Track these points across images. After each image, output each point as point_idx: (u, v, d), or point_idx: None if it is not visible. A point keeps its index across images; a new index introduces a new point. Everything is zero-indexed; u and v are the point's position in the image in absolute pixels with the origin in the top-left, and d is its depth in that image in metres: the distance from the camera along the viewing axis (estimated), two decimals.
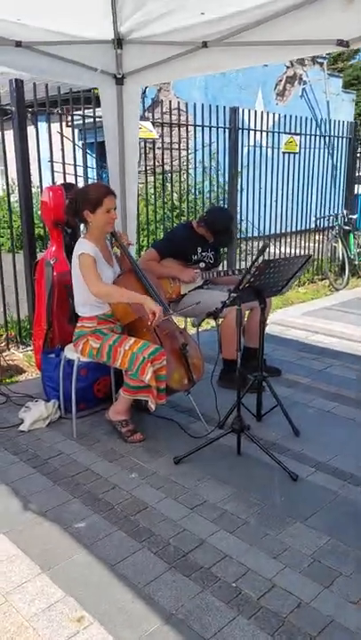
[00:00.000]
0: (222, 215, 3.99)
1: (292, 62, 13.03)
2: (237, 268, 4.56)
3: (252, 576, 2.14)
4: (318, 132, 7.96)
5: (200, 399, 3.47)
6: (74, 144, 4.88)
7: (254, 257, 2.78)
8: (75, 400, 3.29)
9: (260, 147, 6.91)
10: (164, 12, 3.06)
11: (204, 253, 4.08)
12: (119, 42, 3.49)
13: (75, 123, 5.03)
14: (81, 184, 5.08)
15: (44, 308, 4.02)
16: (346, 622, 1.93)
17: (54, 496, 2.67)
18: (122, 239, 3.28)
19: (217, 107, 6.23)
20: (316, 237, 8.22)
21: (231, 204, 6.68)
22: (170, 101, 5.99)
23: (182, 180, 6.47)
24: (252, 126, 6.80)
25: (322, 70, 13.81)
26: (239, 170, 6.65)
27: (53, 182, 4.78)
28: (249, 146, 6.73)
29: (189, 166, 6.46)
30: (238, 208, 6.73)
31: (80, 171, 5.14)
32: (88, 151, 5.67)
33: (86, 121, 5.12)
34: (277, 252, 7.58)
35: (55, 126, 4.80)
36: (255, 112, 6.80)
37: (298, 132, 7.50)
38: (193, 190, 7.11)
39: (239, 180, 6.71)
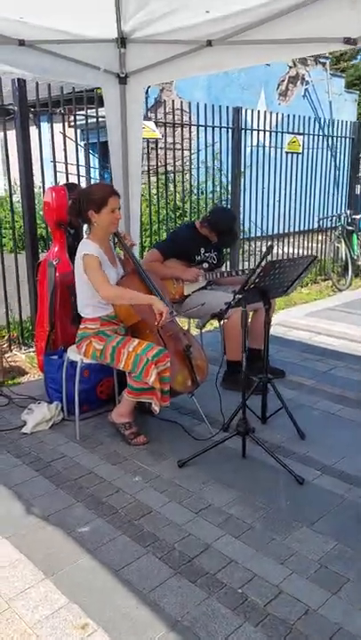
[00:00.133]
0: (226, 215, 3.96)
1: (295, 62, 13.00)
2: (241, 268, 4.53)
3: (258, 582, 2.11)
4: (321, 133, 7.93)
5: (204, 401, 3.44)
6: (76, 144, 4.85)
7: (260, 258, 2.75)
8: (78, 402, 3.26)
9: (263, 147, 6.88)
10: (168, 10, 3.03)
11: (207, 254, 4.05)
12: (122, 41, 3.46)
13: (77, 123, 4.99)
14: (83, 184, 5.06)
15: (46, 308, 3.99)
16: (354, 629, 1.89)
17: (57, 500, 2.64)
18: (125, 240, 3.25)
19: (220, 107, 6.19)
20: (319, 238, 8.19)
21: (234, 204, 6.65)
22: (173, 101, 5.95)
23: (185, 180, 6.44)
24: (254, 126, 6.77)
25: (324, 70, 13.78)
26: (242, 170, 6.61)
27: (56, 182, 4.76)
28: (252, 146, 6.70)
29: (192, 166, 6.42)
30: (241, 208, 6.70)
31: (82, 171, 5.11)
32: (90, 151, 5.64)
33: (89, 121, 5.09)
34: (280, 252, 7.54)
35: (57, 126, 4.78)
36: (258, 112, 6.77)
37: (301, 132, 7.47)
38: (196, 190, 7.07)
39: (242, 180, 6.68)
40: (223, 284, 4.20)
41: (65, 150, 4.74)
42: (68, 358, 3.40)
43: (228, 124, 6.35)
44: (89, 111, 5.06)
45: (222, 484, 2.76)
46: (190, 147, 6.20)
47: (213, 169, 6.57)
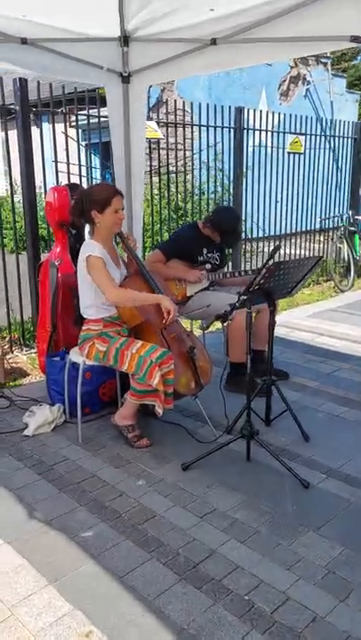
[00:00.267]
0: (229, 215, 3.93)
1: (296, 62, 12.97)
2: (243, 269, 4.50)
3: (265, 588, 2.08)
4: (324, 133, 7.90)
5: (207, 403, 3.41)
6: (78, 144, 4.82)
7: (266, 258, 2.72)
8: (80, 404, 3.23)
9: (265, 147, 6.85)
10: (172, 9, 2.99)
11: (209, 254, 4.01)
12: (125, 39, 3.42)
13: (78, 123, 4.96)
14: (84, 185, 5.03)
15: (48, 309, 3.96)
16: None
17: (60, 504, 2.60)
18: (128, 240, 3.22)
19: (222, 107, 6.16)
20: (321, 238, 8.16)
21: (236, 204, 6.62)
22: (175, 101, 5.92)
23: (187, 180, 6.40)
24: (256, 126, 6.74)
25: (326, 70, 13.75)
26: (244, 170, 6.58)
27: (58, 183, 4.73)
28: (254, 146, 6.66)
29: (194, 167, 6.39)
30: (243, 208, 6.67)
31: (83, 171, 5.08)
32: (92, 151, 5.61)
33: (90, 121, 5.05)
34: (282, 252, 7.51)
35: (58, 126, 4.74)
36: (261, 112, 6.74)
37: (303, 132, 7.44)
38: (197, 191, 7.04)
39: (244, 180, 6.64)
40: (226, 284, 4.16)
41: (67, 150, 4.71)
42: (71, 360, 3.37)
43: (230, 124, 6.32)
44: (90, 111, 5.03)
45: (227, 488, 2.73)
46: (192, 147, 6.16)
47: (216, 169, 6.54)
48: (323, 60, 13.72)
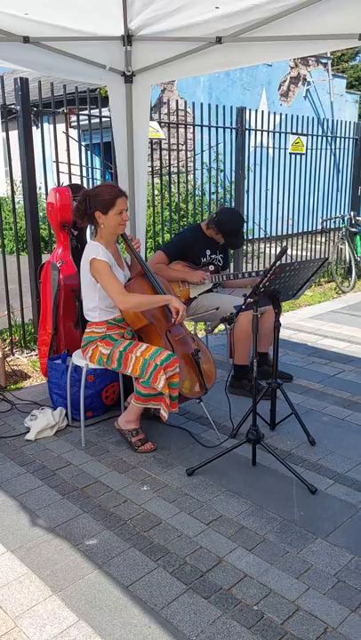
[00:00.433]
0: (233, 216, 3.88)
1: (296, 63, 12.94)
2: (247, 271, 4.45)
3: (274, 598, 2.03)
4: (325, 133, 7.86)
5: (210, 406, 3.37)
6: (80, 144, 4.77)
7: (266, 260, 2.67)
8: (83, 407, 3.18)
9: (267, 147, 6.81)
10: (177, 7, 2.95)
11: (213, 256, 3.97)
12: (129, 38, 3.37)
13: (80, 123, 4.91)
14: (85, 185, 4.98)
15: (49, 311, 3.92)
16: None
17: (63, 510, 2.56)
18: (132, 242, 3.17)
19: (223, 107, 6.12)
20: (322, 240, 8.12)
21: (238, 205, 6.58)
22: (177, 101, 5.87)
23: (188, 180, 6.36)
24: (257, 126, 6.69)
25: (326, 71, 13.72)
26: (246, 170, 6.54)
27: (59, 183, 4.68)
28: (255, 146, 6.62)
29: (195, 167, 6.35)
30: (245, 209, 6.63)
31: (78, 170, 5.03)
32: (93, 152, 5.57)
33: (90, 121, 5.00)
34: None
35: (58, 127, 4.69)
36: (263, 112, 6.69)
37: (305, 132, 7.40)
38: (199, 192, 6.99)
39: (245, 180, 6.60)
40: (229, 286, 4.12)
41: (68, 150, 4.66)
42: (73, 363, 3.32)
43: (231, 124, 6.28)
44: (84, 112, 4.98)
45: (233, 494, 2.69)
46: (194, 148, 6.12)
47: (217, 170, 6.50)
48: (323, 61, 13.70)
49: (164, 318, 3.15)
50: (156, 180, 6.08)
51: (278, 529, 2.43)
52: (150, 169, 5.61)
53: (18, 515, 2.52)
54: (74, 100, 4.82)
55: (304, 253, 7.77)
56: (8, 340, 4.67)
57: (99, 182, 5.72)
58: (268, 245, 7.47)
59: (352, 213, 8.14)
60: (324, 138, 7.86)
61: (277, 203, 7.16)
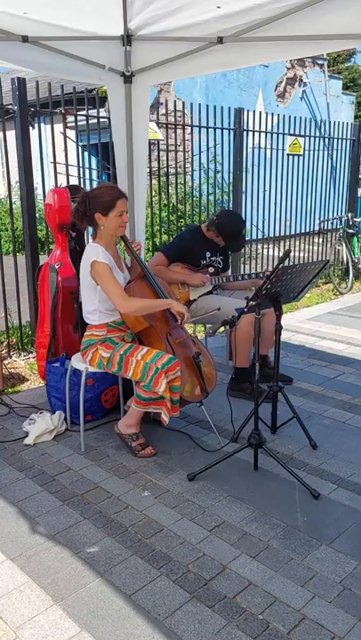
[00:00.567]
0: (233, 219, 3.85)
1: (293, 64, 12.93)
2: (248, 272, 4.43)
3: (279, 607, 2.00)
4: (323, 134, 7.85)
5: (211, 409, 3.34)
6: (78, 145, 4.73)
7: (263, 262, 2.64)
8: (83, 412, 3.14)
9: (265, 148, 6.78)
10: (177, 6, 2.91)
11: (213, 258, 3.94)
12: (128, 38, 3.34)
13: (74, 124, 4.87)
14: (83, 186, 4.94)
15: (47, 314, 3.87)
16: None
17: (64, 517, 2.51)
18: (132, 244, 3.13)
19: (221, 108, 6.09)
20: (319, 241, 8.11)
21: (236, 206, 6.55)
22: (175, 102, 5.84)
23: (186, 181, 6.32)
24: (254, 127, 6.67)
25: (322, 72, 13.73)
26: (244, 171, 6.52)
27: (56, 184, 4.64)
28: (253, 147, 6.60)
29: (193, 168, 6.32)
30: (243, 210, 6.60)
31: (75, 171, 4.99)
32: (90, 153, 5.52)
33: (84, 122, 4.96)
34: (279, 254, 7.45)
35: (55, 127, 4.65)
36: (260, 113, 6.67)
37: (303, 133, 7.39)
38: (197, 193, 6.96)
39: (243, 182, 6.58)
40: (229, 288, 4.10)
41: (65, 151, 4.62)
42: (72, 366, 3.28)
43: (229, 125, 6.25)
44: (82, 112, 4.94)
45: (235, 499, 2.65)
46: (192, 149, 6.09)
47: (215, 171, 6.47)
48: (319, 62, 13.71)
49: (165, 321, 3.11)
50: (154, 182, 6.03)
51: (282, 535, 2.40)
52: (149, 170, 5.56)
53: (17, 522, 2.48)
54: (70, 100, 4.78)
55: (301, 254, 7.74)
56: (5, 343, 4.62)
57: (96, 183, 5.68)
58: (265, 247, 7.44)
59: (350, 215, 8.13)
60: (321, 139, 7.84)
61: (274, 204, 7.14)
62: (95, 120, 4.96)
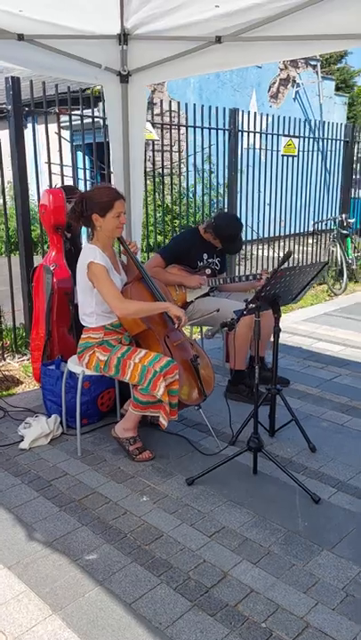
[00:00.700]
0: (231, 222, 3.82)
1: (286, 64, 12.93)
2: (244, 274, 4.40)
3: (282, 615, 1.97)
4: (317, 135, 7.85)
5: (208, 412, 3.30)
6: (72, 145, 4.68)
7: (257, 263, 2.61)
8: (79, 415, 3.10)
9: (259, 149, 6.77)
10: (175, 5, 2.88)
11: (210, 260, 3.91)
12: (125, 37, 3.30)
13: (66, 124, 4.82)
14: (76, 186, 4.89)
15: (42, 316, 3.82)
16: None
17: (61, 523, 2.47)
18: (130, 246, 3.10)
19: (216, 108, 6.07)
20: (312, 241, 8.10)
21: (231, 207, 6.53)
22: (170, 102, 5.81)
23: (181, 182, 6.29)
24: (249, 128, 6.65)
25: (315, 73, 13.73)
26: (239, 172, 6.50)
27: (50, 185, 4.59)
28: (248, 148, 6.58)
29: (188, 169, 6.28)
30: (238, 211, 6.58)
31: (69, 171, 4.95)
32: (80, 152, 5.48)
33: (77, 122, 4.92)
34: (275, 255, 7.45)
35: (45, 127, 4.59)
36: (255, 114, 6.66)
37: (298, 134, 7.38)
38: (192, 193, 6.93)
39: (238, 182, 6.56)
40: (226, 290, 4.06)
41: (60, 151, 4.58)
42: (68, 369, 3.24)
43: (224, 125, 6.22)
44: (77, 112, 4.89)
45: (235, 504, 2.62)
46: (187, 149, 6.05)
47: (210, 171, 6.45)
48: (312, 63, 13.71)
49: (163, 324, 3.08)
50: (148, 182, 5.99)
51: (283, 540, 2.37)
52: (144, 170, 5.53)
53: (14, 529, 2.44)
54: (63, 99, 4.74)
55: (295, 255, 7.73)
56: None
57: (90, 183, 5.63)
58: (259, 247, 7.43)
59: (343, 216, 8.13)
60: (317, 140, 7.84)
61: (268, 205, 7.13)
62: (88, 120, 4.92)
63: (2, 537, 2.38)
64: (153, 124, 5.68)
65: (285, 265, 2.58)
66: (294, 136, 7.35)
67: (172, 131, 5.86)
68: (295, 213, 7.65)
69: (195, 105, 5.82)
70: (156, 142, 5.87)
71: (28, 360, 4.42)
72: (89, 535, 2.39)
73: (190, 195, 6.72)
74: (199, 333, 4.49)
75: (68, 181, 5.15)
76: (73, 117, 4.76)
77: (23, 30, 2.96)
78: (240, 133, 6.38)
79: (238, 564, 2.22)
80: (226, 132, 6.25)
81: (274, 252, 7.50)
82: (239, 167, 6.49)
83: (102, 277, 2.80)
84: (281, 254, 7.45)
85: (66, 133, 4.89)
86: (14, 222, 4.92)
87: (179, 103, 6.04)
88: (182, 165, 6.14)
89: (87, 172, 5.56)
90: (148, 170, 5.97)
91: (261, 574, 2.17)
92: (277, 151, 7.18)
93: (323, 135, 7.96)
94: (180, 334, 3.19)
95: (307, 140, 7.64)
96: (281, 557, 2.26)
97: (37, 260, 4.57)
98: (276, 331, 3.09)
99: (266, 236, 7.22)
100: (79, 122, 4.89)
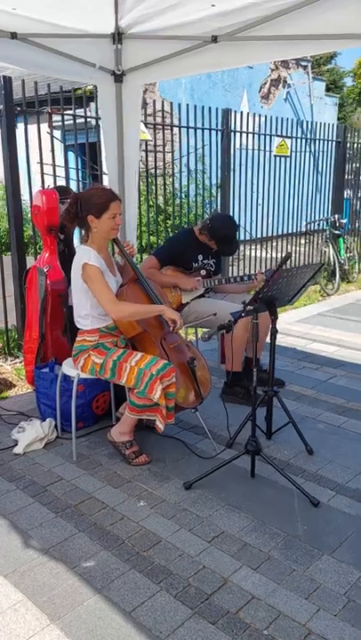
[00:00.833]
0: (226, 223, 3.79)
1: (277, 65, 12.93)
2: (239, 275, 4.37)
3: (284, 621, 1.94)
4: (309, 136, 7.85)
5: (204, 415, 3.26)
6: (64, 145, 4.63)
7: (250, 263, 2.59)
8: (75, 419, 3.05)
9: (252, 149, 6.75)
10: (170, 4, 2.85)
11: (205, 261, 3.88)
12: (119, 36, 3.26)
13: (56, 124, 4.77)
14: (70, 187, 4.84)
15: (35, 318, 3.77)
16: None
17: (57, 530, 2.43)
18: (126, 248, 3.06)
19: (209, 108, 6.04)
20: (304, 242, 8.10)
21: (224, 207, 6.51)
22: (162, 102, 5.78)
23: (174, 182, 6.26)
24: (242, 128, 6.63)
25: (306, 73, 13.76)
26: (232, 172, 6.48)
27: (43, 185, 4.54)
28: (240, 149, 6.57)
29: (182, 169, 6.25)
30: (231, 212, 6.56)
31: (61, 172, 4.90)
32: (72, 152, 5.43)
33: (69, 122, 4.87)
34: (269, 256, 7.44)
35: (36, 127, 4.54)
36: (248, 114, 6.64)
37: (290, 135, 7.38)
38: (184, 194, 6.91)
39: (230, 183, 6.54)
40: (221, 291, 4.04)
41: (52, 151, 4.53)
42: (62, 372, 3.19)
43: (217, 126, 6.20)
44: (69, 112, 4.85)
45: (233, 508, 2.59)
46: (180, 149, 6.02)
47: (203, 172, 6.42)
48: (303, 64, 13.73)
49: (159, 326, 3.04)
50: (140, 183, 5.95)
51: (283, 545, 2.34)
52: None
53: (9, 535, 2.39)
54: (55, 99, 4.69)
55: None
56: None
57: (82, 184, 5.59)
58: (250, 248, 7.41)
59: (336, 216, 8.14)
60: (307, 140, 7.85)
61: (260, 205, 7.12)
62: (79, 119, 4.87)
63: None
64: (146, 125, 5.64)
65: (283, 266, 2.56)
66: (287, 136, 7.35)
67: (165, 131, 5.82)
68: (288, 214, 7.65)
69: (188, 105, 5.79)
70: (148, 142, 5.83)
71: (20, 363, 4.36)
72: (86, 542, 2.35)
73: (183, 195, 6.68)
74: (194, 335, 4.45)
75: (60, 182, 5.11)
76: (64, 117, 4.71)
77: (16, 28, 2.92)
78: (233, 133, 6.35)
79: (238, 569, 2.20)
80: (219, 132, 6.23)
81: (267, 252, 7.48)
82: (232, 167, 6.47)
83: (96, 279, 2.76)
84: (273, 255, 7.45)
85: (57, 133, 4.83)
86: (5, 223, 4.86)
87: (171, 103, 6.01)
88: (175, 165, 6.11)
89: (79, 172, 5.51)
90: (140, 170, 5.93)
91: (262, 580, 2.14)
92: (270, 151, 7.17)
93: (315, 136, 7.96)
94: (176, 336, 3.15)
95: (299, 140, 7.64)
96: (281, 562, 2.24)
97: (29, 260, 4.52)
98: (273, 332, 3.06)
99: (259, 236, 7.21)
100: (70, 122, 4.84)
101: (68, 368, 3.09)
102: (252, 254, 7.34)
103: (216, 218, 3.80)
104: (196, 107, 5.86)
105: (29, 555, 2.27)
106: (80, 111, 4.99)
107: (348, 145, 8.62)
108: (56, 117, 4.88)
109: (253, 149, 6.80)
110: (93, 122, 5.41)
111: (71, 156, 8.02)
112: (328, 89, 21.66)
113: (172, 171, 5.96)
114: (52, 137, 4.44)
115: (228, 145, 6.33)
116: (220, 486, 2.76)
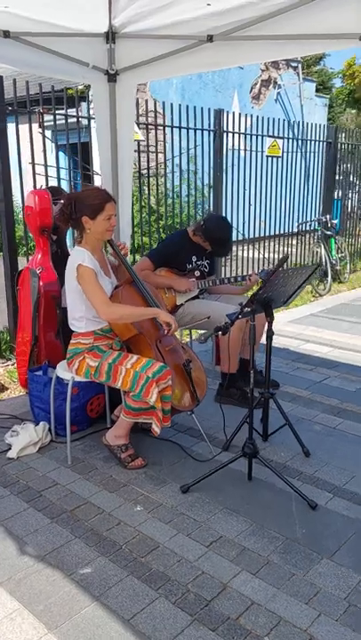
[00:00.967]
0: (220, 224, 3.77)
1: (267, 66, 12.95)
2: (233, 276, 4.35)
3: (285, 627, 1.92)
4: (300, 136, 7.86)
5: (199, 417, 3.24)
6: (56, 144, 4.59)
7: (242, 264, 2.57)
8: (69, 423, 3.01)
9: (245, 150, 6.74)
10: (165, 3, 2.82)
11: (199, 262, 3.86)
12: (112, 35, 3.22)
13: (47, 124, 4.72)
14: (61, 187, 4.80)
15: (28, 320, 3.73)
16: None
17: (53, 536, 2.39)
18: (121, 249, 3.02)
19: (201, 109, 6.02)
20: (295, 242, 8.11)
21: (216, 208, 6.49)
22: (155, 102, 5.75)
23: (166, 182, 6.23)
24: (231, 129, 6.62)
25: (296, 74, 13.80)
26: (224, 172, 6.46)
27: (35, 186, 4.49)
28: (233, 149, 6.55)
29: (174, 169, 6.23)
30: (223, 212, 6.55)
31: (52, 172, 4.86)
32: (62, 152, 5.39)
33: (60, 122, 4.83)
34: (261, 256, 7.43)
35: (26, 127, 4.49)
36: (240, 115, 6.63)
37: (281, 135, 7.38)
38: (176, 195, 6.88)
39: (223, 183, 6.53)
40: (215, 292, 4.02)
41: (44, 152, 4.49)
42: (56, 375, 3.15)
43: (209, 126, 6.18)
44: (60, 111, 4.81)
45: (231, 512, 2.57)
46: (172, 150, 5.99)
47: (196, 172, 6.40)
48: (293, 64, 13.77)
49: (154, 328, 3.01)
50: (134, 182, 5.92)
51: (282, 549, 2.32)
52: None
53: (4, 542, 2.35)
54: (46, 99, 4.65)
55: (280, 256, 7.73)
56: None
57: (74, 184, 5.54)
58: (242, 248, 7.40)
59: (328, 217, 8.15)
60: (300, 141, 7.86)
61: (252, 205, 7.11)
62: (71, 119, 4.83)
63: None
64: (138, 125, 5.61)
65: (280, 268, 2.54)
66: (279, 137, 7.35)
67: (158, 130, 5.79)
68: (279, 214, 7.65)
69: (180, 105, 5.76)
70: (141, 142, 5.79)
71: (13, 365, 4.31)
72: (82, 548, 2.32)
73: (175, 196, 6.65)
74: (188, 336, 4.43)
75: (52, 182, 5.06)
76: (56, 117, 4.67)
77: (9, 27, 2.88)
78: (225, 134, 6.34)
79: (238, 574, 2.17)
80: (211, 132, 6.21)
81: (259, 252, 7.48)
82: (224, 168, 6.46)
83: (90, 281, 2.72)
84: (265, 255, 7.45)
85: (48, 133, 4.79)
86: None
87: (163, 103, 5.98)
88: (167, 165, 6.08)
89: (70, 172, 5.46)
90: (133, 170, 5.90)
91: (262, 585, 2.12)
92: (262, 152, 7.17)
93: (306, 136, 7.97)
94: (171, 338, 3.12)
95: (291, 140, 7.64)
96: (280, 567, 2.22)
97: (20, 261, 4.47)
98: (270, 334, 3.04)
99: (251, 236, 7.20)
100: (62, 121, 4.80)
101: (62, 371, 3.05)
102: (245, 255, 7.34)
103: (210, 219, 3.78)
104: (188, 107, 5.84)
105: (25, 562, 2.23)
106: (71, 111, 4.95)
107: (339, 146, 8.64)
108: (47, 117, 4.83)
109: (245, 150, 6.80)
110: (85, 122, 5.37)
111: (62, 156, 7.97)
112: (317, 90, 21.76)
113: (165, 171, 5.93)
114: (44, 137, 4.39)
115: (221, 145, 6.31)
116: (217, 489, 2.74)
